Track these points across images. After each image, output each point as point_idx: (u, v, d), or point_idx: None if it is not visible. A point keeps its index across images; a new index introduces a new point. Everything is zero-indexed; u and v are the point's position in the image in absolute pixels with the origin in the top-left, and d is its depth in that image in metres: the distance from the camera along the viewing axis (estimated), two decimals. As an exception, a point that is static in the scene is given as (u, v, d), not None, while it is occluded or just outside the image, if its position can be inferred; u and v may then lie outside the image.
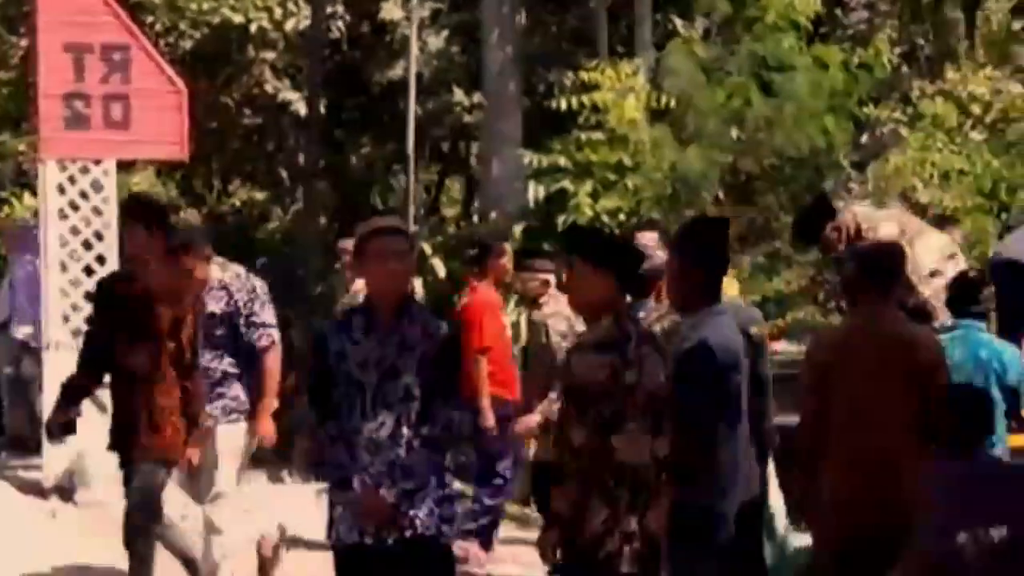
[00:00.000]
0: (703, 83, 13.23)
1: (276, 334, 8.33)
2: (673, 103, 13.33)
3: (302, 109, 15.63)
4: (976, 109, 15.21)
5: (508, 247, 10.69)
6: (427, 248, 14.38)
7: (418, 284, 13.85)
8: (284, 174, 17.49)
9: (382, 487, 6.15)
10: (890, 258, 7.45)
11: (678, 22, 14.93)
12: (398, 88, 15.29)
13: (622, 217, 13.35)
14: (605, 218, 13.31)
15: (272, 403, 8.31)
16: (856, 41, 14.13)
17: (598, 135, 13.58)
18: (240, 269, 8.39)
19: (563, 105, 13.71)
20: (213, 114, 15.21)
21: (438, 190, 20.36)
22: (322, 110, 15.79)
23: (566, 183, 13.49)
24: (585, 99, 13.64)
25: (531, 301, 10.07)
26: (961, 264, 9.33)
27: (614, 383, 6.26)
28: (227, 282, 8.24)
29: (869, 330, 7.07)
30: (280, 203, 17.53)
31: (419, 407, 6.24)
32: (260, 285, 8.34)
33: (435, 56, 14.81)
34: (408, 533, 6.16)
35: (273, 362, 8.33)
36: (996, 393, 7.28)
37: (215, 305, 8.18)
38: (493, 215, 14.83)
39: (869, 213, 9.59)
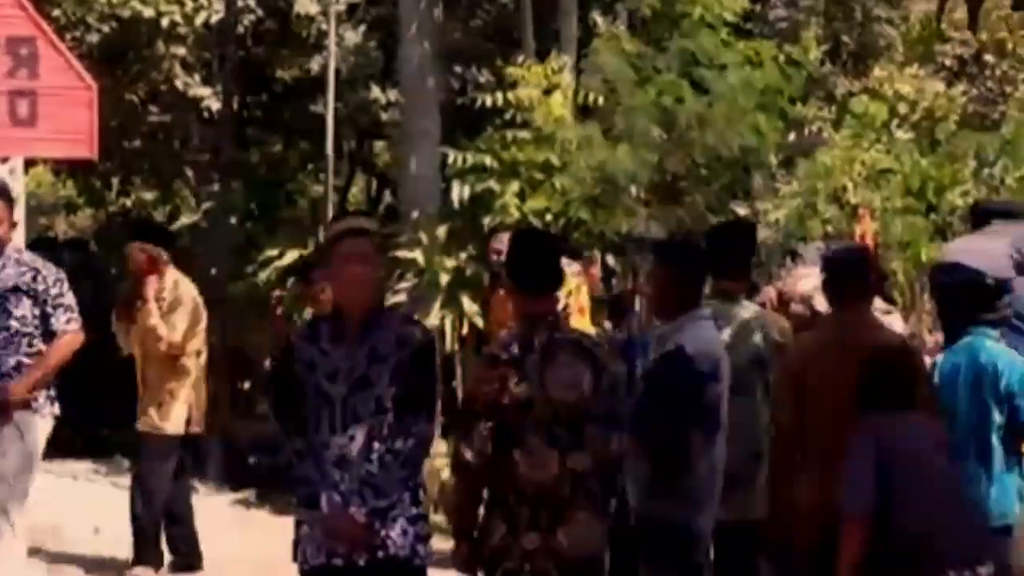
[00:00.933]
0: (632, 80, 12.82)
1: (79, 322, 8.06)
2: (601, 101, 12.96)
3: (214, 105, 15.11)
4: (902, 108, 14.96)
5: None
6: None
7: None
8: (190, 173, 16.93)
9: (352, 505, 5.82)
10: (856, 265, 7.18)
11: (600, 19, 14.54)
12: (313, 85, 14.80)
13: (549, 218, 12.96)
14: (532, 219, 12.91)
15: (38, 374, 7.92)
16: (781, 37, 13.77)
17: (524, 134, 13.18)
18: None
19: (488, 102, 13.34)
20: (117, 111, 14.65)
21: (345, 190, 19.85)
22: (234, 107, 15.29)
23: (492, 183, 13.08)
24: (511, 96, 13.25)
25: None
26: (897, 323, 9.07)
27: (501, 396, 6.07)
28: (36, 263, 8.03)
29: (839, 339, 6.79)
30: (187, 203, 16.97)
31: (392, 420, 5.87)
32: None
33: (352, 51, 14.34)
34: (380, 554, 5.84)
35: (68, 345, 8.01)
36: (991, 402, 6.96)
37: (18, 279, 7.95)
38: (415, 215, 14.34)
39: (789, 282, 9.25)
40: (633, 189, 12.75)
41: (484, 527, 6.10)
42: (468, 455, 6.06)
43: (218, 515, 11.56)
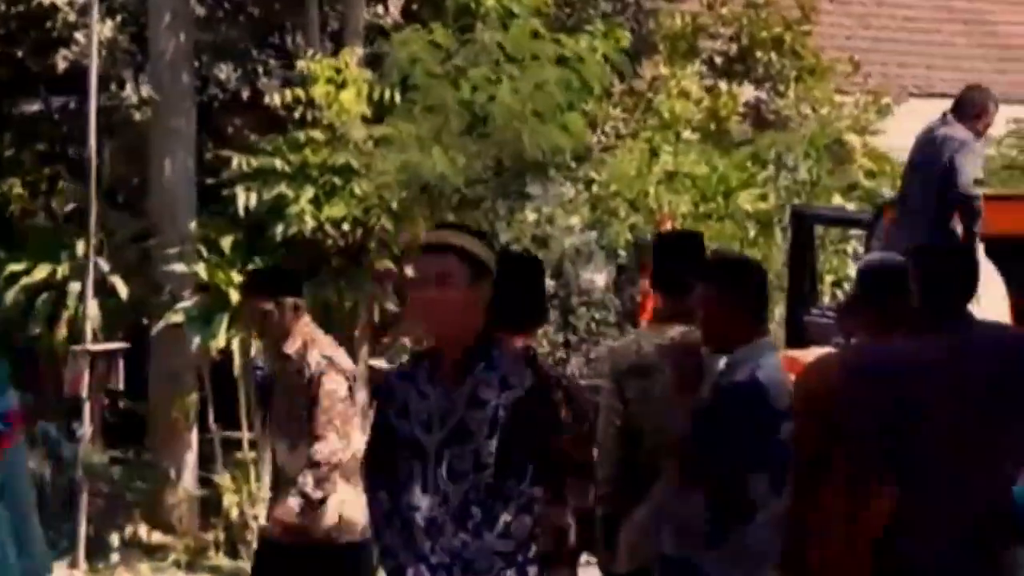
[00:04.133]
0: (442, 76, 11.80)
1: None
2: (414, 99, 11.88)
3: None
4: (688, 107, 14.29)
5: None
6: (104, 265, 12.38)
7: (94, 308, 11.93)
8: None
9: None
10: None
11: (380, 9, 13.47)
12: (62, 82, 13.25)
13: (346, 227, 11.80)
14: (329, 228, 11.74)
15: None
16: (568, 32, 12.93)
17: (317, 134, 11.98)
18: None
19: (276, 100, 12.12)
20: None
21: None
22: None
23: (283, 188, 11.82)
24: (299, 93, 12.05)
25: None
26: None
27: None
28: None
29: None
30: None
31: (491, 481, 4.79)
32: None
33: (104, 46, 12.89)
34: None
35: None
36: None
37: None
38: (173, 223, 12.92)
39: None
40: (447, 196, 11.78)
41: None
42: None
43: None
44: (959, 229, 9.77)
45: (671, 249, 6.89)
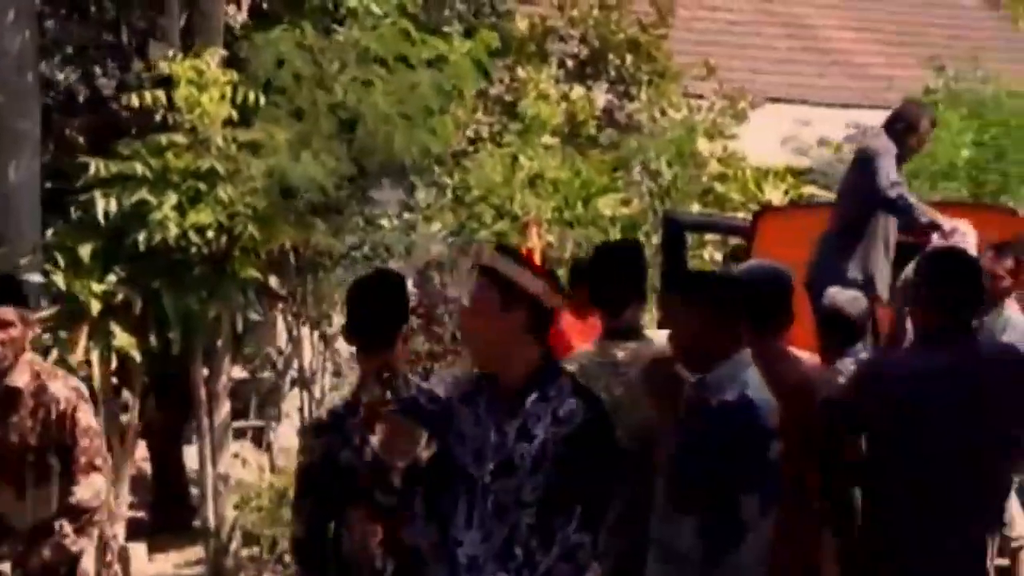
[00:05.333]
0: (311, 77, 11.39)
1: None
2: (277, 102, 11.44)
3: None
4: (551, 111, 14.04)
5: None
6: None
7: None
8: None
9: None
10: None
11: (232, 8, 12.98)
12: None
13: (211, 234, 11.31)
14: (193, 235, 11.24)
15: None
16: (428, 32, 12.61)
17: (179, 138, 11.48)
18: None
19: (135, 102, 11.58)
20: None
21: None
22: None
23: (145, 194, 11.29)
24: (160, 95, 11.54)
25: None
26: None
27: (327, 467, 5.46)
28: None
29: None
30: None
31: (534, 521, 4.52)
32: None
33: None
34: None
35: None
36: None
37: None
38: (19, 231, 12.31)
39: None
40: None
41: None
42: (297, 532, 5.61)
43: None
44: (891, 238, 9.72)
45: (610, 264, 6.61)
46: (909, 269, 6.94)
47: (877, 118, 19.28)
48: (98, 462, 6.46)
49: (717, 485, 5.32)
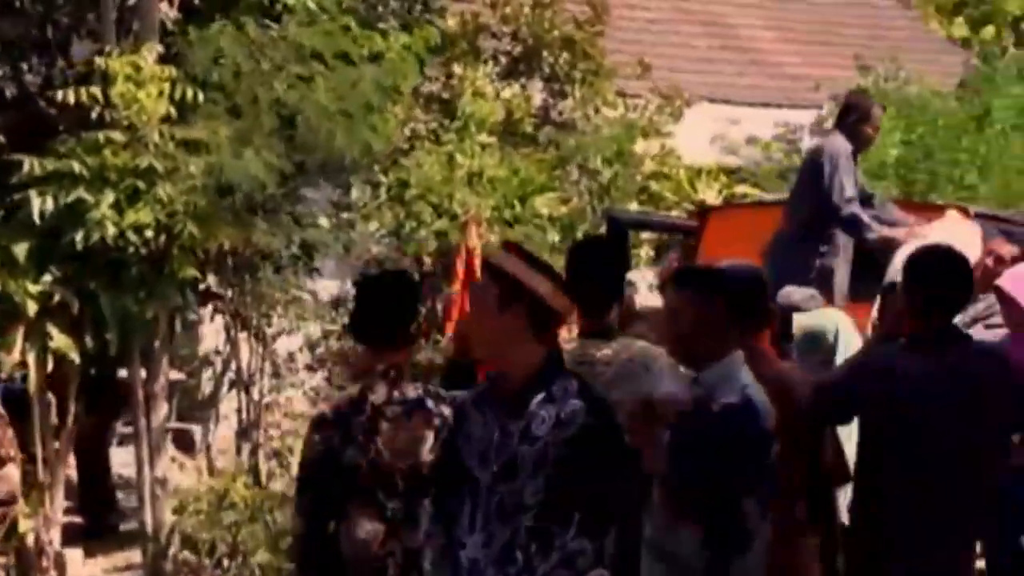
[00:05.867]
0: (251, 74, 11.19)
1: None
2: (216, 98, 11.22)
3: None
4: (493, 109, 13.91)
5: None
6: None
7: None
8: None
9: None
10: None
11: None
12: None
13: (149, 234, 11.08)
14: (132, 235, 11.00)
15: None
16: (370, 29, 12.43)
17: (116, 135, 11.22)
18: None
19: (71, 98, 11.31)
20: None
21: None
22: None
23: (82, 193, 11.04)
24: (96, 91, 11.28)
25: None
26: None
27: (328, 463, 5.46)
28: None
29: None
30: None
31: (533, 524, 4.42)
32: None
33: None
34: None
35: None
36: None
37: None
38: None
39: None
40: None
41: None
42: (296, 528, 5.65)
43: None
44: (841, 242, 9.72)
45: (591, 262, 6.49)
46: (896, 267, 6.88)
47: (804, 117, 19.56)
48: (11, 452, 6.33)
49: (717, 488, 5.23)
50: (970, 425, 5.47)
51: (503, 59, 15.22)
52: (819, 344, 7.40)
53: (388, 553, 5.43)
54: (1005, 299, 6.77)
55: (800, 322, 7.18)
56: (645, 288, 8.73)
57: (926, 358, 5.58)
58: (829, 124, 18.29)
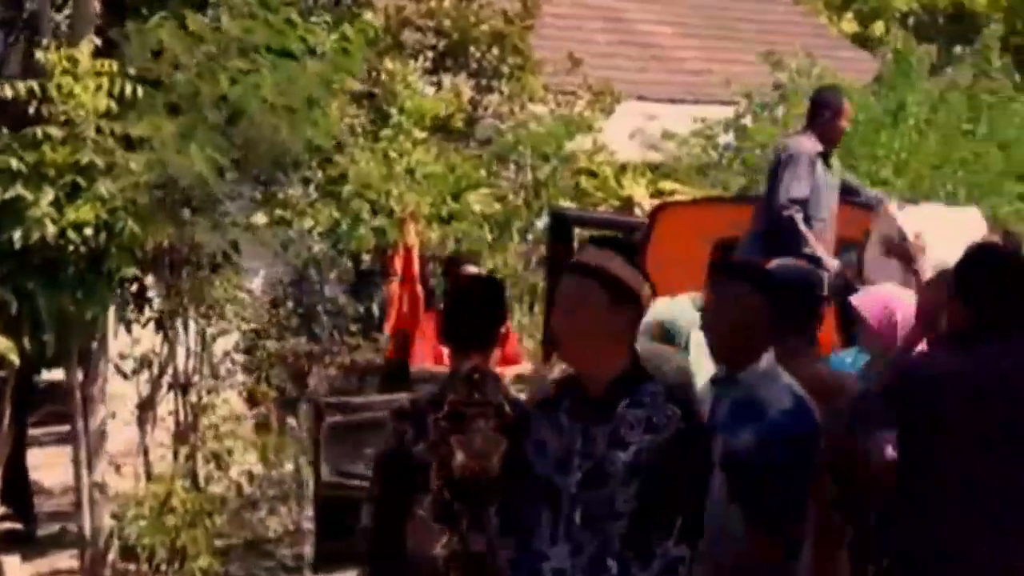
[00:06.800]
0: (192, 67, 10.92)
1: None
2: (155, 93, 10.93)
3: None
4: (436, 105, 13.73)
5: None
6: None
7: None
8: None
9: None
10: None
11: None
12: None
13: (89, 232, 10.78)
14: (71, 233, 10.70)
15: None
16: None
17: (55, 130, 10.90)
18: None
19: (7, 93, 10.96)
20: None
21: None
22: None
23: (20, 190, 10.71)
24: (34, 85, 10.95)
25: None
26: None
27: (400, 457, 5.46)
28: None
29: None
30: None
31: (627, 532, 4.26)
32: None
33: None
34: None
35: None
36: None
37: None
38: None
39: None
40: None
41: None
42: (364, 518, 5.61)
43: None
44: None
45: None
46: (943, 263, 6.79)
47: (711, 113, 19.56)
48: None
49: (792, 498, 5.15)
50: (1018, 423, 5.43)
51: (429, 54, 15.05)
52: (673, 340, 7.32)
53: (450, 555, 5.41)
54: (858, 317, 6.76)
55: (659, 313, 7.07)
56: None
57: (984, 354, 5.52)
58: (746, 121, 18.57)
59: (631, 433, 4.39)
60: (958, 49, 19.35)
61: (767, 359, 5.45)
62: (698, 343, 7.02)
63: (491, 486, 5.23)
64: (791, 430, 5.21)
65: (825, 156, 9.97)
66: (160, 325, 11.59)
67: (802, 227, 9.62)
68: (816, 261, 9.13)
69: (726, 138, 18.20)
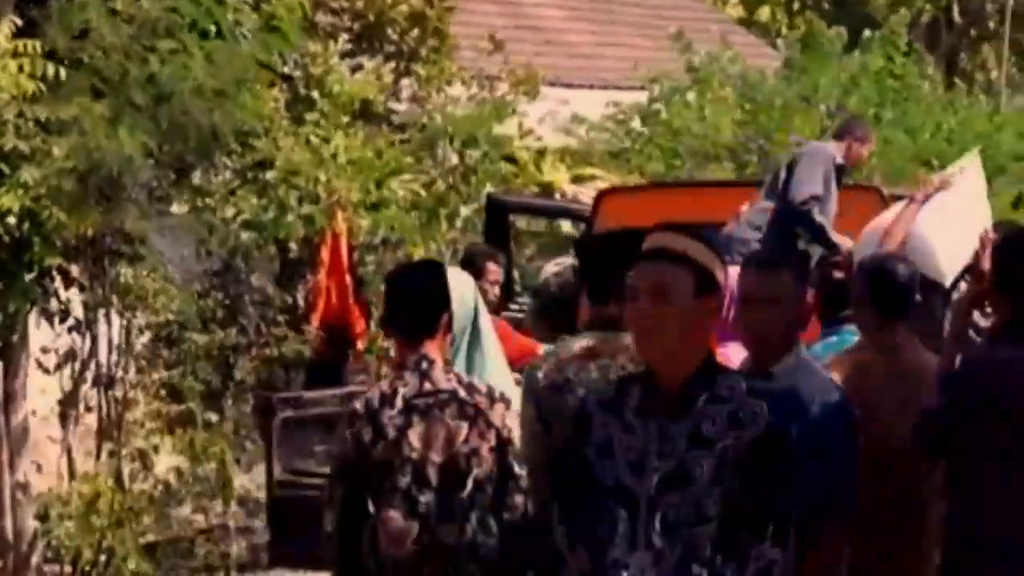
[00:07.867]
0: (121, 47, 10.45)
1: None
2: (81, 74, 10.45)
3: None
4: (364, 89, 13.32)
5: None
6: None
7: None
8: None
9: None
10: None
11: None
12: None
13: (12, 220, 10.29)
14: (-7, 221, 10.20)
15: None
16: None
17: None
18: None
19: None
20: None
21: None
22: None
23: (-58, 178, 10.19)
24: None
25: None
26: None
27: (360, 461, 5.47)
28: None
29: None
30: None
31: (717, 536, 3.95)
32: None
33: None
34: None
35: None
36: None
37: None
38: None
39: None
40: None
41: None
42: (327, 524, 5.58)
43: None
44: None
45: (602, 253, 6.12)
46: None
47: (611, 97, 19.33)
48: None
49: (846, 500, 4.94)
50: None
51: (344, 36, 14.62)
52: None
53: (423, 549, 5.40)
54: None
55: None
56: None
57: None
58: (658, 106, 18.39)
59: (713, 430, 4.08)
60: (867, 33, 19.27)
61: (796, 351, 5.30)
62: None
63: (458, 475, 5.35)
64: (840, 419, 5.08)
65: (839, 172, 10.05)
66: (82, 318, 11.10)
67: (818, 218, 9.71)
68: (834, 248, 9.23)
69: (637, 123, 17.99)
